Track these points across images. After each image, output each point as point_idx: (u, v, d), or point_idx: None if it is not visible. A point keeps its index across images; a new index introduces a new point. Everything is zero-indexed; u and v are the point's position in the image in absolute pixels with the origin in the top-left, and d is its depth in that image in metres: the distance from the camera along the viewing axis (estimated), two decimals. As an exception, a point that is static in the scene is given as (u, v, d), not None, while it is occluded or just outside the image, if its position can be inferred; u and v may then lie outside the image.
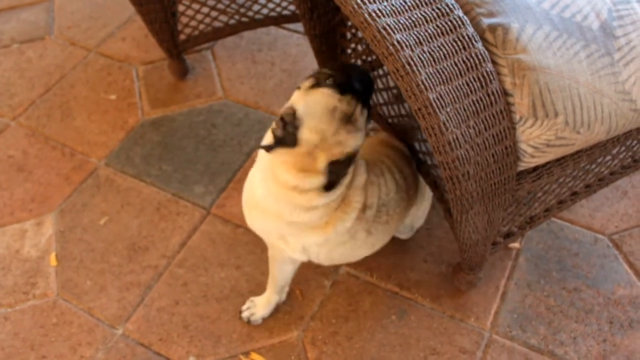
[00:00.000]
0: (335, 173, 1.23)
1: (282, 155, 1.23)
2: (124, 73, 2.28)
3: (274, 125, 1.24)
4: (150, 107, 2.16)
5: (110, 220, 1.87)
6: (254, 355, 1.58)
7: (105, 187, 1.95)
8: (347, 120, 1.22)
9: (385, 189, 1.40)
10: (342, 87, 1.23)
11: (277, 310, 1.65)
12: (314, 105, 1.22)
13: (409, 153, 1.54)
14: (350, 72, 1.30)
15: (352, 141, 1.24)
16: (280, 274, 1.56)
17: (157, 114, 2.14)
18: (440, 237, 1.77)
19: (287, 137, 1.21)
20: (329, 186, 1.24)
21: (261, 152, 1.31)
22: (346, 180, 1.29)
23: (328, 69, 1.30)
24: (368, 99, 1.29)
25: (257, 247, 1.77)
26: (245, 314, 1.63)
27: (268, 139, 1.26)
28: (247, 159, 1.99)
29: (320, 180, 1.22)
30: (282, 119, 1.22)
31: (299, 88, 1.27)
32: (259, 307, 1.62)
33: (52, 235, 1.85)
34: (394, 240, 1.61)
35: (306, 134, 1.20)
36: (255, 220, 1.41)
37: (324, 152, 1.21)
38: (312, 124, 1.20)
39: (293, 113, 1.21)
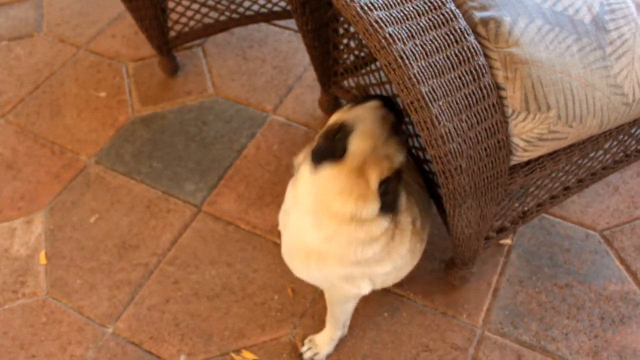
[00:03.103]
0: (389, 192, 1.19)
1: (331, 182, 1.17)
2: (114, 70, 2.27)
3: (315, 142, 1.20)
4: (140, 104, 2.15)
5: (100, 218, 1.86)
6: (245, 353, 1.57)
7: (95, 185, 1.94)
8: (396, 130, 1.22)
9: (416, 195, 1.40)
10: (385, 103, 1.24)
11: (269, 308, 1.64)
12: (364, 113, 1.21)
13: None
14: (380, 97, 1.29)
15: (398, 156, 1.21)
16: (343, 314, 1.50)
17: (147, 111, 2.13)
18: (431, 234, 1.75)
19: (336, 146, 1.17)
20: (387, 208, 1.20)
21: (302, 196, 1.24)
22: (402, 205, 1.27)
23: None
24: (401, 124, 1.28)
25: (249, 244, 1.76)
26: (307, 355, 1.54)
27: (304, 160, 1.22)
28: (238, 156, 1.98)
29: (376, 205, 1.18)
30: (327, 132, 1.18)
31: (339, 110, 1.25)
32: (321, 345, 1.54)
33: (41, 233, 1.83)
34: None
35: (357, 141, 1.17)
36: (312, 271, 1.33)
37: (374, 168, 1.17)
38: (364, 128, 1.18)
39: (340, 124, 1.18)
